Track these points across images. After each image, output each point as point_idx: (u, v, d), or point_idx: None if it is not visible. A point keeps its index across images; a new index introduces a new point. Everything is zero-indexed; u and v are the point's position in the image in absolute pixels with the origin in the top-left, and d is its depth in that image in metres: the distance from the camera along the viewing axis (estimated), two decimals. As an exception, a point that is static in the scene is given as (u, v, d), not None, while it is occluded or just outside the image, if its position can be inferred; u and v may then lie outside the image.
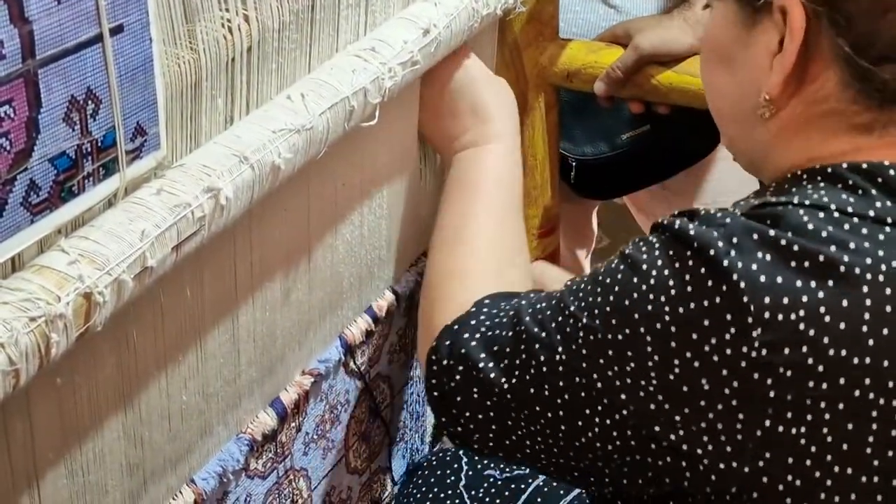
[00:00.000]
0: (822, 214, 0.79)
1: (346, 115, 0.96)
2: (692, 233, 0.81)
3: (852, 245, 0.77)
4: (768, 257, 0.78)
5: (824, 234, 0.78)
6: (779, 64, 0.83)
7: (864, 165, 0.82)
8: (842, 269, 0.77)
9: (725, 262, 0.78)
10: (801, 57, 0.82)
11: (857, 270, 0.77)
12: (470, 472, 1.28)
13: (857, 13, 0.79)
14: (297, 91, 0.94)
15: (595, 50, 1.46)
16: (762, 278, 0.77)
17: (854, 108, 0.83)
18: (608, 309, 0.84)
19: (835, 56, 0.81)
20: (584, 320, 0.85)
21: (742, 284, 0.77)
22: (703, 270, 0.79)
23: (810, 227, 0.79)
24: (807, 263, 0.77)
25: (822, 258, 0.77)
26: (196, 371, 0.94)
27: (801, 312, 0.76)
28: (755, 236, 0.79)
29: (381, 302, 1.20)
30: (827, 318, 0.76)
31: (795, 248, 0.78)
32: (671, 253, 0.82)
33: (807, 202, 0.81)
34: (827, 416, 0.77)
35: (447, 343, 0.96)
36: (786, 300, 0.76)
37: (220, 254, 0.92)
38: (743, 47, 0.87)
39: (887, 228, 0.79)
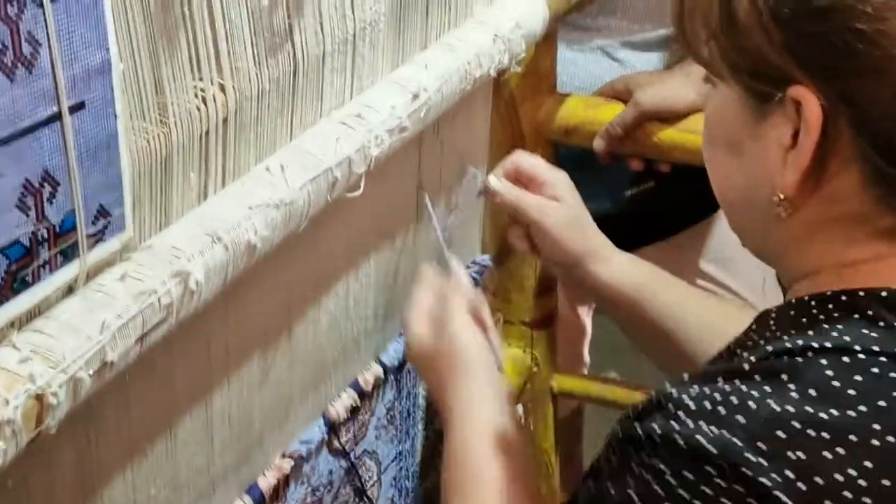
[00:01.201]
0: (846, 359, 0.71)
1: (328, 187, 0.91)
2: (706, 443, 0.68)
3: (882, 403, 0.69)
4: (802, 455, 0.67)
5: (852, 391, 0.69)
6: (794, 161, 0.75)
7: (884, 293, 0.74)
8: (875, 442, 0.68)
9: (765, 481, 0.67)
10: (819, 152, 0.74)
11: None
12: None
13: (879, 115, 0.71)
14: (276, 162, 0.88)
15: (594, 105, 1.41)
16: (801, 486, 0.67)
17: (877, 210, 0.75)
18: None
19: (855, 154, 0.74)
20: None
21: (786, 499, 0.67)
22: (739, 490, 0.67)
23: (836, 383, 0.70)
24: (841, 450, 0.68)
25: (854, 438, 0.68)
26: (165, 461, 0.88)
27: (847, 494, 0.67)
28: (782, 434, 0.68)
29: (367, 375, 1.14)
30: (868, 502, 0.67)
31: (826, 434, 0.67)
32: (688, 476, 0.69)
33: (827, 344, 0.72)
34: None
35: None
36: (827, 492, 0.67)
37: (191, 335, 0.87)
38: (752, 138, 0.78)
39: None
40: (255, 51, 0.86)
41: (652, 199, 1.63)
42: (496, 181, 1.15)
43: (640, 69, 1.59)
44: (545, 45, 1.39)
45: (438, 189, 1.21)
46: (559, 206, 1.13)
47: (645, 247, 1.75)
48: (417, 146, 1.14)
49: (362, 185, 0.95)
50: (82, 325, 0.71)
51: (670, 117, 1.37)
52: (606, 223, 1.64)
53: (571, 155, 1.54)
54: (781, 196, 0.77)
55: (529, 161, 1.17)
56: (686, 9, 0.79)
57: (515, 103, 1.40)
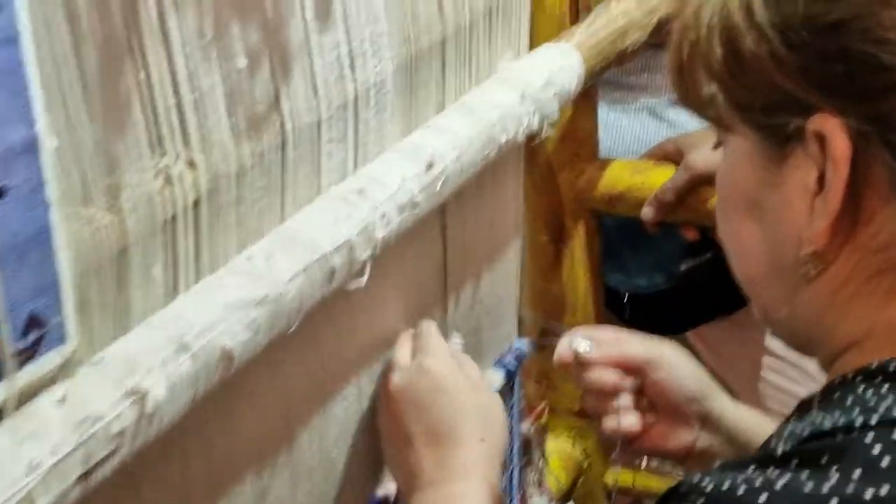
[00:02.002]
0: None
1: (325, 277, 0.77)
2: None
3: None
4: None
5: None
6: (822, 206, 0.64)
7: None
8: None
9: None
10: (850, 191, 0.63)
11: None
12: None
13: None
14: (260, 250, 0.75)
15: (641, 170, 1.28)
16: None
17: None
18: None
19: (893, 187, 0.62)
20: None
21: None
22: None
23: (885, 461, 0.57)
24: None
25: None
26: None
27: None
28: None
29: (390, 486, 1.00)
30: None
31: None
32: None
33: (873, 421, 0.59)
34: None
35: None
36: None
37: (162, 454, 0.73)
38: (771, 189, 0.67)
39: None
40: (233, 120, 0.73)
41: (710, 271, 1.48)
42: (585, 343, 0.97)
43: (691, 129, 1.45)
44: (584, 104, 1.26)
45: (464, 272, 1.07)
46: (661, 343, 0.99)
47: (703, 325, 1.60)
48: (440, 223, 1.01)
49: (366, 273, 0.81)
50: (6, 464, 0.57)
51: (727, 180, 1.22)
52: (659, 301, 1.51)
53: (617, 226, 1.41)
54: (811, 249, 0.65)
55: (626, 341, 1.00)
56: (684, 57, 0.69)
57: (553, 171, 1.27)
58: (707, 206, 1.25)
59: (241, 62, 0.73)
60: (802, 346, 0.73)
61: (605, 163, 1.29)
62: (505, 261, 1.14)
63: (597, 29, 1.08)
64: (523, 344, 1.21)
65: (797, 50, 0.63)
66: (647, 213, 1.26)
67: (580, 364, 0.97)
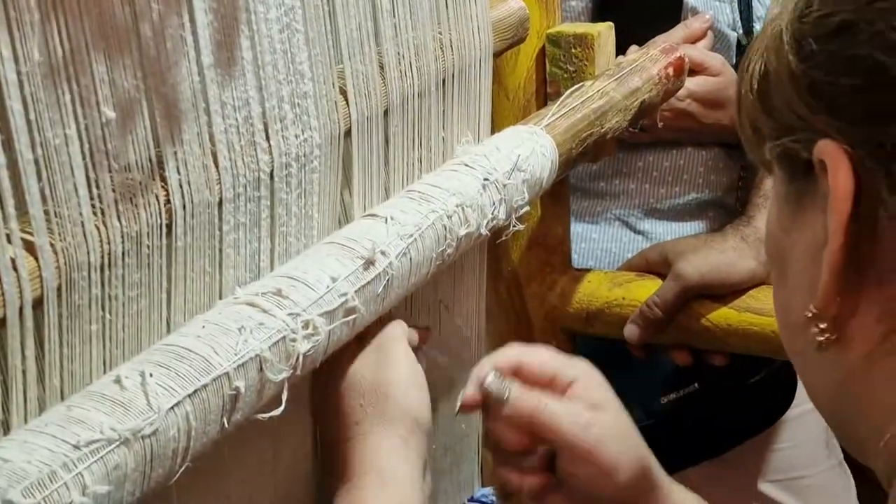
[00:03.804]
0: None
1: (223, 406, 0.57)
2: None
3: None
4: None
5: None
6: (827, 256, 0.52)
7: None
8: None
9: None
10: (859, 241, 0.51)
11: None
12: None
13: None
14: (133, 369, 0.54)
15: (622, 283, 1.10)
16: None
17: None
18: None
19: None
20: None
21: None
22: None
23: None
24: None
25: None
26: None
27: None
28: None
29: None
30: None
31: None
32: None
33: None
34: None
35: None
36: None
37: None
38: (790, 236, 0.57)
39: None
40: (96, 192, 0.54)
41: (696, 406, 1.29)
42: (500, 383, 0.77)
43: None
44: (555, 206, 1.08)
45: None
46: (599, 415, 0.77)
47: (689, 468, 1.40)
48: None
49: (284, 399, 0.61)
50: None
51: (723, 292, 1.05)
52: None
53: (588, 352, 1.22)
54: (813, 310, 0.54)
55: (535, 355, 0.79)
56: (742, 88, 0.58)
57: (520, 283, 1.09)
58: (701, 323, 1.07)
59: (108, 112, 0.54)
60: (847, 438, 0.58)
61: (579, 274, 1.12)
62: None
63: (571, 109, 0.91)
64: (486, 494, 1.01)
65: (807, 62, 0.53)
66: (631, 332, 1.07)
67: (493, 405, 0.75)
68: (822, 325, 0.54)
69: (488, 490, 1.00)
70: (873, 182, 0.51)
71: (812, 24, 0.52)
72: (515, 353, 0.77)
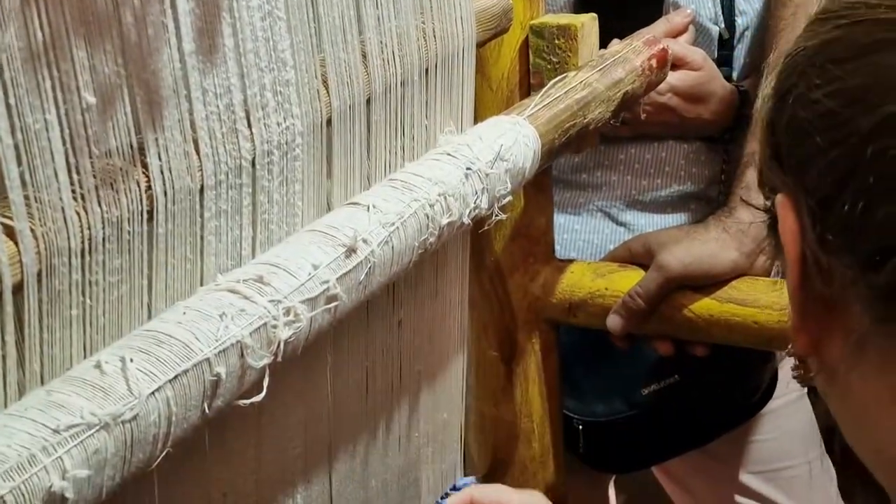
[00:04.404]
0: None
1: (203, 392, 0.57)
2: None
3: None
4: None
5: None
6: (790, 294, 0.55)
7: None
8: None
9: None
10: (817, 280, 0.53)
11: None
12: None
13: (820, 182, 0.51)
14: (113, 354, 0.55)
15: (605, 273, 1.10)
16: None
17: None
18: None
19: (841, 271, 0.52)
20: None
21: None
22: None
23: None
24: None
25: None
26: None
27: None
28: None
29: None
30: None
31: None
32: None
33: None
34: None
35: None
36: None
37: None
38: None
39: None
40: (77, 178, 0.54)
41: (679, 396, 1.29)
42: None
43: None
44: (537, 196, 1.08)
45: (398, 394, 0.87)
46: None
47: (670, 460, 1.40)
48: (364, 325, 0.81)
49: (265, 385, 0.61)
50: None
51: (706, 284, 1.05)
52: (619, 431, 1.31)
53: (570, 343, 1.22)
54: (790, 349, 0.57)
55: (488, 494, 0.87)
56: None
57: (502, 274, 1.08)
58: (683, 314, 1.07)
59: (89, 98, 0.54)
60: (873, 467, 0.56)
61: (562, 265, 1.11)
62: (448, 378, 0.94)
63: (554, 99, 0.91)
64: (468, 483, 1.01)
65: (773, 122, 0.56)
66: (613, 322, 1.07)
67: None
68: (795, 359, 0.57)
69: (471, 479, 1.00)
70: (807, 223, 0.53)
71: (773, 86, 0.56)
72: (467, 492, 0.86)
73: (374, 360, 0.83)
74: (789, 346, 0.56)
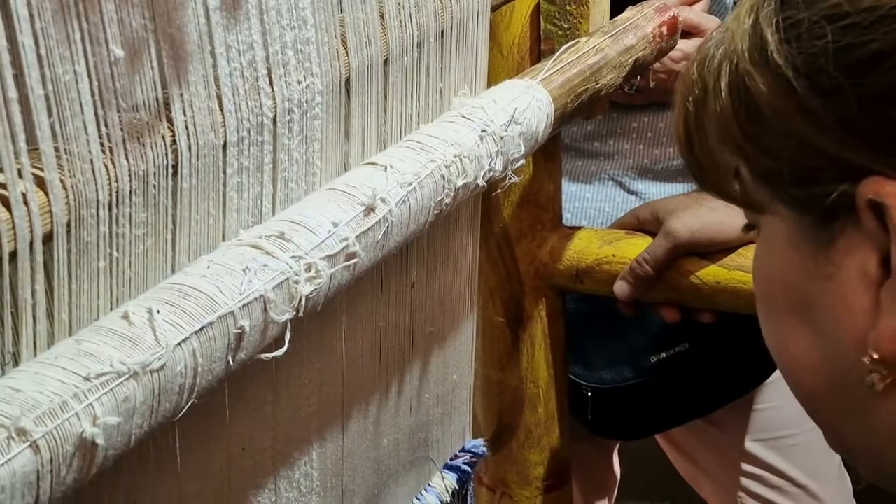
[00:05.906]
0: None
1: (228, 344, 0.57)
2: None
3: None
4: None
5: None
6: (889, 297, 0.48)
7: None
8: None
9: None
10: None
11: None
12: None
13: None
14: (140, 306, 0.55)
15: (612, 240, 1.10)
16: None
17: None
18: None
19: None
20: None
21: None
22: None
23: None
24: None
25: None
26: None
27: None
28: None
29: None
30: None
31: None
32: None
33: None
34: None
35: None
36: None
37: None
38: (821, 282, 0.52)
39: None
40: (105, 130, 0.54)
41: (685, 365, 1.30)
42: None
43: (664, 200, 1.28)
44: (546, 163, 1.09)
45: (410, 349, 0.88)
46: None
47: (677, 427, 1.41)
48: (378, 287, 0.82)
49: (287, 339, 0.62)
50: None
51: (714, 251, 1.06)
52: (626, 398, 1.31)
53: (578, 310, 1.22)
54: (874, 355, 0.50)
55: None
56: (691, 122, 0.56)
57: (510, 240, 1.09)
58: (690, 281, 1.07)
59: (117, 51, 0.54)
60: (875, 473, 0.56)
61: (570, 231, 1.12)
62: (458, 341, 0.95)
63: (566, 64, 0.91)
64: (478, 445, 1.02)
65: (832, 97, 0.49)
66: (621, 288, 1.08)
67: None
68: (878, 370, 0.51)
69: (479, 441, 1.01)
70: None
71: (833, 56, 0.48)
72: None
73: (387, 322, 0.84)
74: (869, 349, 0.50)
